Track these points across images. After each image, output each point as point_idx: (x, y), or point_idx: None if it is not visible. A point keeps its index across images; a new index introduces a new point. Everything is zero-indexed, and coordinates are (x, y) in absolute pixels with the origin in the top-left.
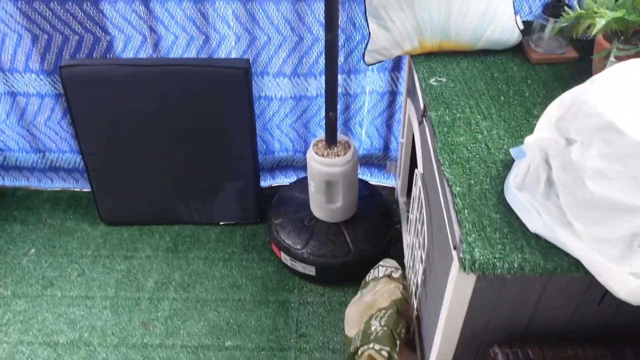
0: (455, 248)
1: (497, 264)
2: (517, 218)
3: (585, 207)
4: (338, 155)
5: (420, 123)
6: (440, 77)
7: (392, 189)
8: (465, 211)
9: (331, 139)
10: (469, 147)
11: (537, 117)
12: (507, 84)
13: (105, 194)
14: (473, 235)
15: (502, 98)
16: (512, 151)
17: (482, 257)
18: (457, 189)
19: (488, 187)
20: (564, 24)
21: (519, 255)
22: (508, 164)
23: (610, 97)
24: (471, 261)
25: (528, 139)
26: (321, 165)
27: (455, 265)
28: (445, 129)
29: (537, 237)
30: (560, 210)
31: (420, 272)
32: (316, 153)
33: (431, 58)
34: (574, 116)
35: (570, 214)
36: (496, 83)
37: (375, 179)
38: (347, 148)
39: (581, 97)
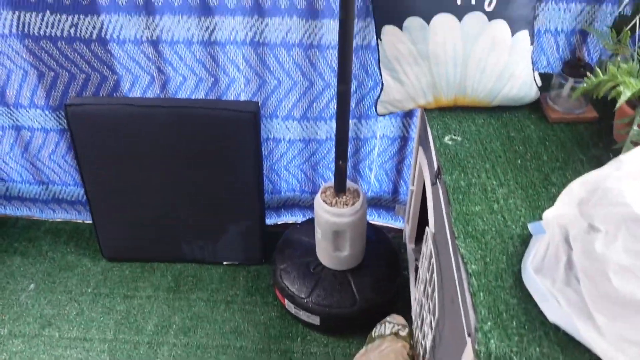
0: (469, 335)
1: (514, 358)
2: (536, 304)
3: (609, 301)
4: (347, 204)
5: (434, 184)
6: (455, 136)
7: (400, 231)
8: (481, 294)
9: (340, 188)
10: (484, 219)
11: (555, 185)
12: (524, 144)
13: (107, 230)
14: (489, 324)
15: (518, 161)
16: (530, 226)
17: (498, 350)
18: (473, 267)
19: (504, 267)
20: (584, 87)
21: (537, 349)
22: (525, 239)
23: (638, 184)
24: (487, 354)
25: (547, 215)
26: (329, 214)
27: (469, 352)
28: (460, 196)
29: (556, 327)
30: (581, 298)
31: (430, 337)
32: (324, 201)
33: (446, 113)
34: (599, 203)
35: (592, 305)
36: (513, 144)
37: (383, 220)
38: (356, 197)
39: (607, 183)
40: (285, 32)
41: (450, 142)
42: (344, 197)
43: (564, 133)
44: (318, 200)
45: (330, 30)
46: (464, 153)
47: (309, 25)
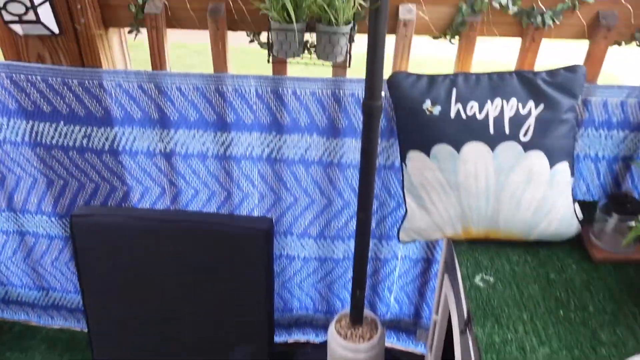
0: None
1: None
2: None
3: None
4: (363, 338)
5: (463, 332)
6: (486, 275)
7: (421, 357)
8: None
9: (356, 319)
10: None
11: (605, 345)
12: (567, 290)
13: (104, 345)
14: None
15: (561, 312)
16: None
17: None
18: None
19: None
20: (636, 232)
21: None
22: None
23: None
24: None
25: None
26: (343, 349)
27: None
28: (494, 356)
29: None
30: None
31: None
32: (338, 332)
33: (476, 247)
34: None
35: None
36: (553, 289)
37: (402, 344)
38: (374, 329)
39: None
40: (305, 149)
41: (481, 284)
42: (360, 329)
43: (611, 276)
44: (332, 331)
45: (351, 149)
46: (498, 299)
47: (329, 144)
